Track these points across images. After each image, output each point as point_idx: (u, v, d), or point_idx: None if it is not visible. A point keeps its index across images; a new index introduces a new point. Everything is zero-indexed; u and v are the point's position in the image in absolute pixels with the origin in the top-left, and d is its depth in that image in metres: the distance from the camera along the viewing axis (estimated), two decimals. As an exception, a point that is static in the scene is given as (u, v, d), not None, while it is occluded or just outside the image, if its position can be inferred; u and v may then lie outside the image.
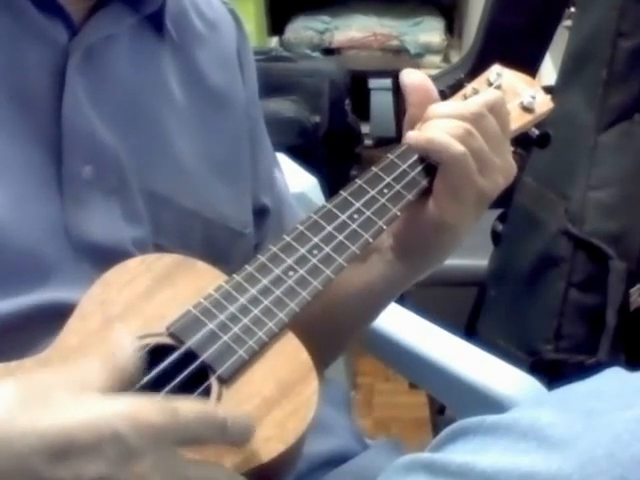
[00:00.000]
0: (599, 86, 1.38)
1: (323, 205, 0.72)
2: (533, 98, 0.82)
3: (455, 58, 3.22)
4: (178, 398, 0.59)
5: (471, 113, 0.73)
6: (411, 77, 0.77)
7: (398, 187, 0.73)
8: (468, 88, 0.82)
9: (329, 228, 0.70)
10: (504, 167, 0.75)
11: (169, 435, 0.53)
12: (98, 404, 0.54)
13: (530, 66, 0.86)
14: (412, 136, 0.75)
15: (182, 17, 0.81)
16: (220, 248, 0.78)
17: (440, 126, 0.73)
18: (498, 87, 0.82)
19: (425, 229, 0.75)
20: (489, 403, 0.92)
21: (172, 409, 0.54)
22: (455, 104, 0.77)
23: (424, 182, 0.74)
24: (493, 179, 0.74)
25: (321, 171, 1.33)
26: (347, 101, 2.51)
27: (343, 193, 0.73)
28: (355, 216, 0.71)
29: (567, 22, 1.92)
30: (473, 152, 0.72)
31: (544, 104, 0.83)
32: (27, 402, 0.53)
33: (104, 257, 0.68)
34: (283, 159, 1.00)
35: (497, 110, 0.75)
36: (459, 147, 0.72)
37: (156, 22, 0.78)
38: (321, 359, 0.65)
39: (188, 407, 0.55)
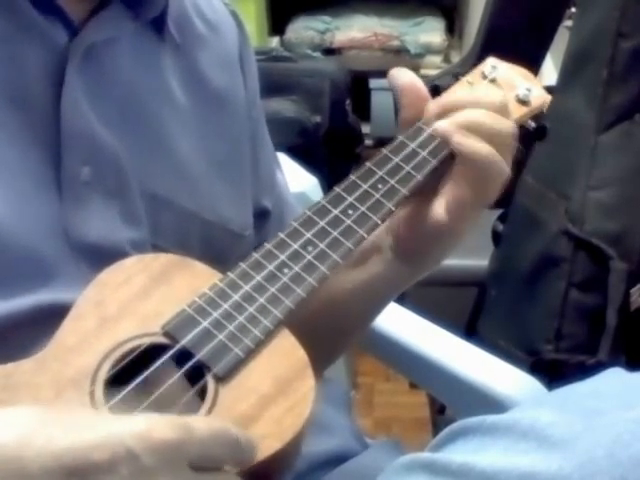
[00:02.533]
0: (599, 86, 1.38)
1: (317, 202, 0.72)
2: (529, 91, 0.82)
3: (456, 58, 3.22)
4: (192, 415, 0.59)
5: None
6: (400, 77, 0.76)
7: (392, 182, 0.73)
8: (462, 81, 0.82)
9: (323, 224, 0.70)
10: (506, 169, 0.75)
11: (183, 453, 0.53)
12: (112, 423, 0.53)
13: (531, 66, 0.86)
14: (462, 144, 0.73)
15: (183, 18, 0.81)
16: (219, 250, 0.78)
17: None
18: (493, 80, 0.82)
19: (429, 233, 0.75)
20: (489, 403, 0.92)
21: (187, 426, 0.53)
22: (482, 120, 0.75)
23: (419, 176, 0.74)
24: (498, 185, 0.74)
25: (321, 171, 1.33)
26: (348, 101, 2.52)
27: (337, 189, 0.72)
28: (350, 212, 0.71)
29: (568, 22, 1.92)
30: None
31: (540, 97, 0.83)
32: (43, 423, 0.53)
33: (102, 258, 0.67)
34: (283, 159, 1.00)
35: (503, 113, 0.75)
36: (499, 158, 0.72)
37: (157, 24, 0.78)
38: (322, 359, 0.65)
39: (203, 424, 0.55)
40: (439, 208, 0.73)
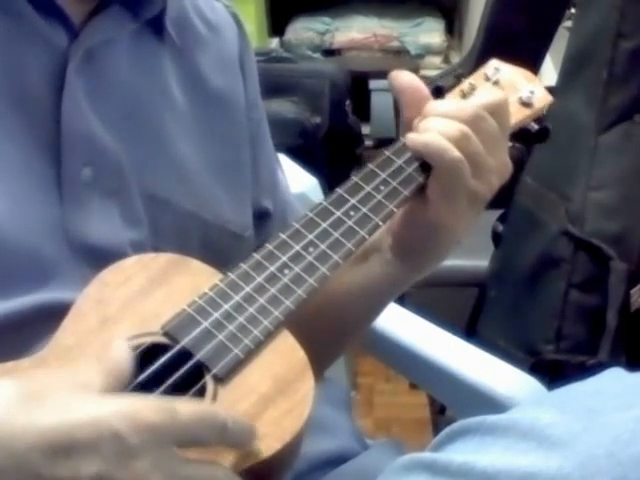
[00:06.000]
0: (599, 87, 1.38)
1: (319, 203, 0.72)
2: (532, 93, 0.82)
3: (455, 59, 3.23)
4: (179, 399, 0.59)
5: (469, 115, 0.72)
6: (399, 78, 0.76)
7: (394, 183, 0.73)
8: (465, 83, 0.82)
9: (325, 225, 0.70)
10: (499, 168, 0.75)
11: (168, 435, 0.53)
12: (98, 403, 0.54)
13: (530, 67, 0.86)
14: (409, 138, 0.74)
15: (183, 20, 0.81)
16: (219, 251, 0.77)
17: (437, 128, 0.72)
18: (496, 82, 0.82)
19: (422, 229, 0.75)
20: (489, 403, 0.92)
21: (172, 409, 0.54)
22: (454, 103, 0.76)
23: (420, 178, 0.74)
24: (487, 180, 0.73)
25: (322, 172, 1.33)
26: (348, 102, 2.52)
27: (339, 190, 0.72)
28: (351, 213, 0.71)
29: (567, 23, 1.92)
30: (469, 156, 0.71)
31: (543, 98, 0.83)
32: (28, 400, 0.53)
33: (102, 259, 0.68)
34: (284, 160, 1.00)
35: (499, 112, 0.74)
36: (455, 153, 0.71)
37: (157, 25, 0.78)
38: (322, 359, 0.65)
39: (188, 408, 0.55)
40: (427, 204, 0.73)
